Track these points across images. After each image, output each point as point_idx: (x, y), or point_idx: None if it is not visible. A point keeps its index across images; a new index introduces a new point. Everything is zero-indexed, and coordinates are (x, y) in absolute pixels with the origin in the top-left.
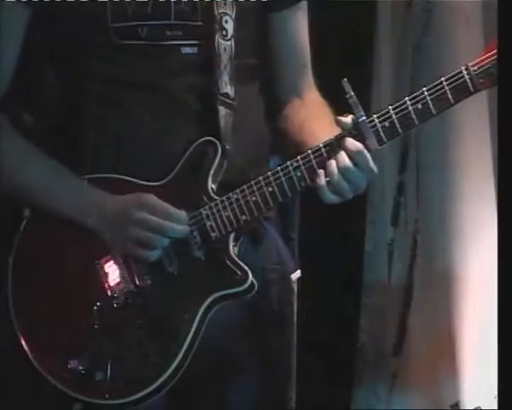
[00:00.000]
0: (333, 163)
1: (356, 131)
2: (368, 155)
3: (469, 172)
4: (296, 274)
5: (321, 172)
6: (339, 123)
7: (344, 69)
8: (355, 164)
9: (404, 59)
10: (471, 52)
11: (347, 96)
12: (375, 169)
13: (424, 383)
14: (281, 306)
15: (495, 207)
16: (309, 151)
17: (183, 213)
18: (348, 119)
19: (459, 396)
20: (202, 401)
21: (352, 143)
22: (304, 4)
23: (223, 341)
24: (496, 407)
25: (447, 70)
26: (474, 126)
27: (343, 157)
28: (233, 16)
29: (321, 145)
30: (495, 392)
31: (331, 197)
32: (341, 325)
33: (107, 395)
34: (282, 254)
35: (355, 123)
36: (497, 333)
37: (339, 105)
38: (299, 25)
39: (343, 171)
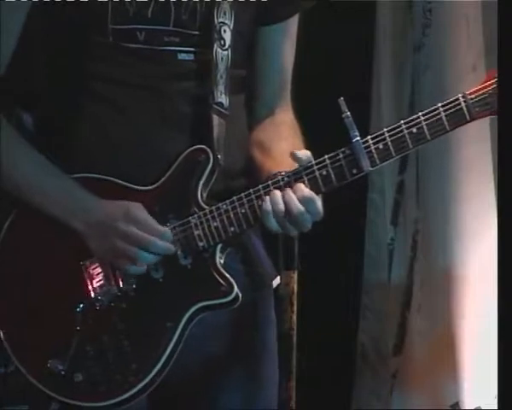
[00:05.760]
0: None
1: (349, 151)
2: (317, 201)
3: (469, 172)
4: (276, 281)
5: (267, 198)
6: (294, 157)
7: (344, 69)
8: (303, 207)
9: (404, 59)
10: (471, 52)
11: (343, 115)
12: (322, 213)
13: (424, 383)
14: (261, 308)
15: (495, 207)
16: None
17: (168, 231)
18: (305, 153)
19: (459, 396)
20: (188, 403)
21: (301, 189)
22: (293, 23)
23: (203, 343)
24: (496, 407)
25: (447, 70)
26: (473, 126)
27: (294, 202)
28: (231, 26)
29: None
30: (495, 392)
31: (274, 225)
32: (341, 325)
33: (84, 398)
34: (262, 259)
35: (349, 143)
36: (497, 333)
37: (337, 102)
38: (286, 42)
39: (290, 213)
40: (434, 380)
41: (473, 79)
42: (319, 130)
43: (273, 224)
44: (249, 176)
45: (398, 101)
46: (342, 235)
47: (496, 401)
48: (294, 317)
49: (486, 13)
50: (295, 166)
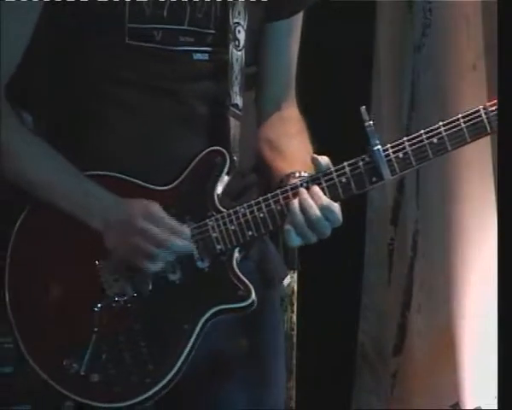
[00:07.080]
0: (299, 214)
1: (369, 159)
2: (336, 209)
3: (469, 172)
4: (286, 280)
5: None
6: (314, 162)
7: (344, 69)
8: (323, 215)
9: (404, 59)
10: (471, 52)
11: (365, 123)
12: (341, 220)
13: (424, 383)
14: (270, 308)
15: (495, 207)
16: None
17: (186, 229)
18: (325, 159)
19: (459, 396)
20: (197, 403)
21: (319, 197)
22: (298, 19)
23: (212, 342)
24: (496, 407)
25: (447, 70)
26: None
27: (314, 210)
28: (244, 26)
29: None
30: (495, 392)
31: (296, 240)
32: (341, 325)
33: (100, 398)
34: (272, 258)
35: (369, 151)
36: (497, 333)
37: (337, 102)
38: (292, 38)
39: (309, 220)
40: (434, 380)
41: (473, 79)
42: (319, 130)
43: (295, 240)
44: (258, 172)
45: (398, 101)
46: (342, 235)
47: (496, 401)
48: (294, 317)
49: (486, 13)
50: (307, 164)
